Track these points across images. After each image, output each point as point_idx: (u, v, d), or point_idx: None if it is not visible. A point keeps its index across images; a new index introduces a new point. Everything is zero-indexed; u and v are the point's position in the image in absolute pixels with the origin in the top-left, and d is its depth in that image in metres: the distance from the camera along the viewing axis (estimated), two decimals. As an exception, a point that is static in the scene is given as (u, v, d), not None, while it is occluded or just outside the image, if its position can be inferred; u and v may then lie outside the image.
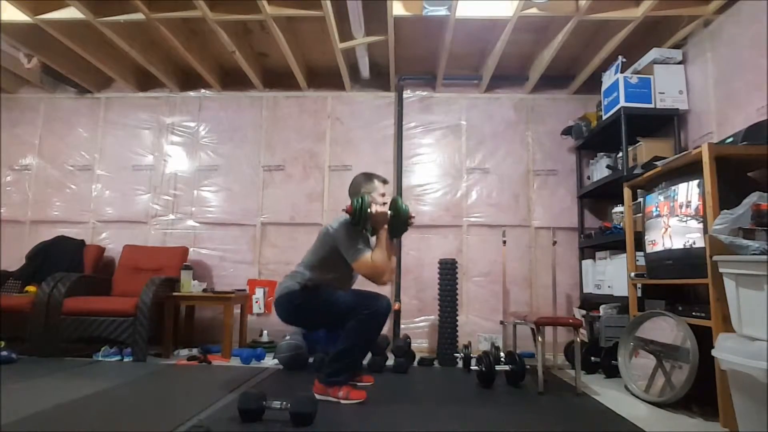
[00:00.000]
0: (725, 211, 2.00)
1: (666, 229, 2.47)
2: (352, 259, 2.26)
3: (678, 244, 2.37)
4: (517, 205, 4.01)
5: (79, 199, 4.21)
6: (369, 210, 2.22)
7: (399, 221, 2.33)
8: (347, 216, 2.29)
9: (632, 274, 2.80)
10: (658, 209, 2.57)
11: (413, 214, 2.39)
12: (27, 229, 4.19)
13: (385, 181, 2.53)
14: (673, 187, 2.45)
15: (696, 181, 2.28)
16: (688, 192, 2.34)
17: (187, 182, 4.20)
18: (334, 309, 2.31)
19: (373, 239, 2.35)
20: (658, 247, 2.52)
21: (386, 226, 2.30)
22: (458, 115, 4.15)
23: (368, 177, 2.51)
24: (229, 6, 3.08)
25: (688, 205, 2.33)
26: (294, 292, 2.35)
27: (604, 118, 3.44)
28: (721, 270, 1.89)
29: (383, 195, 2.48)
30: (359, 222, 2.23)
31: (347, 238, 2.28)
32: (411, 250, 3.98)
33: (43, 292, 3.27)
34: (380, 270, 2.24)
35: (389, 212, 2.31)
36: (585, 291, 3.67)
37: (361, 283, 2.44)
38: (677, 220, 2.38)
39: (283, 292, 2.40)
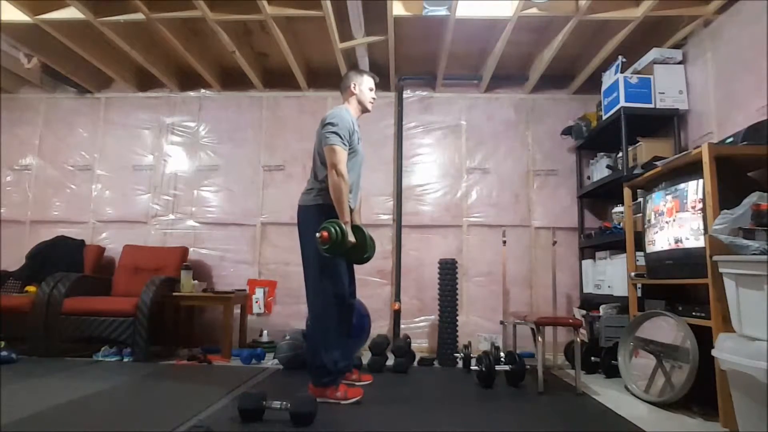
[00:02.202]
0: (725, 211, 2.00)
1: (666, 229, 2.47)
2: (326, 141, 2.25)
3: (678, 244, 2.37)
4: (517, 205, 4.01)
5: (79, 199, 4.21)
6: (346, 241, 2.17)
7: (357, 252, 2.30)
8: (344, 111, 2.37)
9: (632, 274, 2.80)
10: (658, 209, 2.57)
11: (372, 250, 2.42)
12: (27, 229, 4.19)
13: (375, 78, 2.57)
14: (673, 187, 2.45)
15: (696, 181, 2.28)
16: (688, 192, 2.33)
17: (187, 182, 4.20)
18: (329, 267, 2.27)
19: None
20: (658, 247, 2.53)
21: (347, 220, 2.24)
22: (458, 115, 4.15)
23: (360, 71, 2.55)
24: (229, 6, 3.08)
25: (688, 205, 2.33)
26: (310, 207, 2.33)
27: (604, 118, 3.44)
28: (721, 270, 1.89)
29: (371, 90, 2.53)
30: (336, 251, 2.17)
31: (330, 127, 2.28)
32: (411, 250, 3.98)
33: (43, 292, 3.27)
34: (337, 162, 2.22)
35: (355, 240, 2.25)
36: (585, 291, 3.67)
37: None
38: (677, 220, 2.38)
39: (303, 202, 2.38)
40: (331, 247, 2.14)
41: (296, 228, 2.41)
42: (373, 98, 2.56)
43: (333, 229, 2.13)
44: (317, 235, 2.15)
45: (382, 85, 4.17)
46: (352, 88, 2.49)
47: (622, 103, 3.15)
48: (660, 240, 2.51)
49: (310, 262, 2.32)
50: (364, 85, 2.50)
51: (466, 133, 4.12)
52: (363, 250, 2.33)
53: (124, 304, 3.24)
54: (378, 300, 3.89)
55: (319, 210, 2.29)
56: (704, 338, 2.09)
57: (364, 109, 2.56)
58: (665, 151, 3.04)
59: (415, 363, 3.32)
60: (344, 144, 2.28)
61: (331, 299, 2.26)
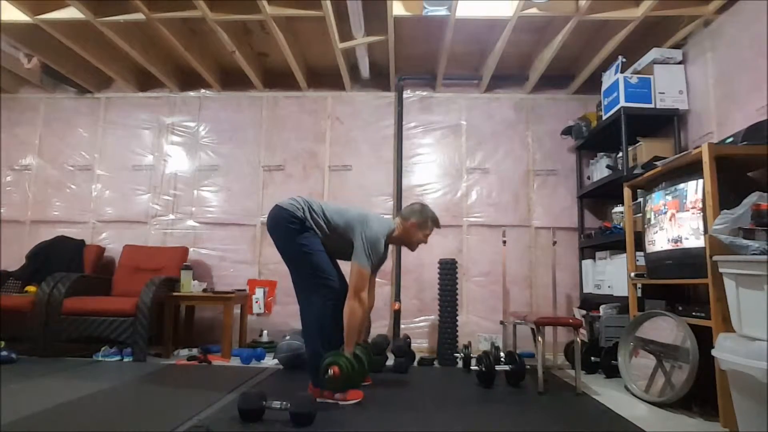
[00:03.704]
0: (725, 211, 2.00)
1: (666, 229, 2.47)
2: (355, 258, 2.26)
3: (678, 244, 2.37)
4: (517, 205, 4.01)
5: (79, 199, 4.21)
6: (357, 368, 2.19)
7: (356, 375, 2.24)
8: (389, 228, 2.37)
9: (632, 274, 2.80)
10: (658, 209, 2.57)
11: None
12: (27, 229, 4.19)
13: (438, 226, 2.56)
14: (673, 187, 2.45)
15: (696, 181, 2.28)
16: (688, 192, 2.33)
17: (187, 182, 4.20)
18: (306, 258, 2.28)
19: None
20: (658, 247, 2.52)
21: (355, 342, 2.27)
22: (458, 115, 4.15)
23: (433, 218, 2.52)
24: (229, 6, 3.09)
25: (688, 205, 2.33)
26: (287, 216, 2.31)
27: (604, 118, 3.44)
28: (721, 270, 1.89)
29: (426, 236, 2.51)
30: (348, 385, 2.18)
31: (368, 246, 2.26)
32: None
33: (43, 292, 3.27)
34: (361, 288, 2.23)
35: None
36: (585, 291, 3.67)
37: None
38: (677, 220, 2.38)
39: (279, 209, 2.35)
40: (343, 382, 2.14)
41: None
42: (424, 243, 2.53)
43: (343, 363, 2.12)
44: (329, 372, 2.11)
45: (382, 85, 4.19)
46: (410, 223, 2.46)
47: (622, 103, 3.15)
48: (660, 240, 2.51)
49: (294, 264, 2.35)
50: (421, 231, 2.48)
51: (466, 133, 4.12)
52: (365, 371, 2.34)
53: (124, 304, 3.24)
54: (378, 300, 3.85)
55: (292, 218, 2.29)
56: (704, 338, 2.09)
57: (404, 244, 2.57)
58: (665, 151, 3.04)
59: (415, 363, 3.32)
60: (370, 265, 2.27)
61: (323, 296, 2.27)
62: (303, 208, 2.33)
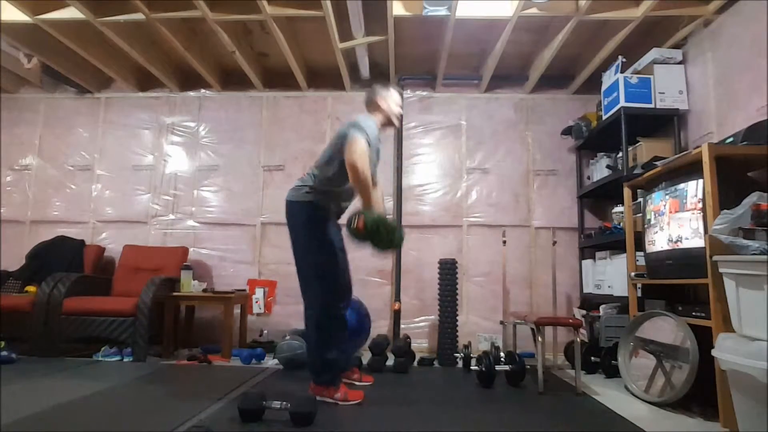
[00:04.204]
0: (725, 211, 2.00)
1: (666, 229, 2.47)
2: (349, 139, 2.12)
3: (678, 244, 2.37)
4: (517, 205, 4.01)
5: (79, 199, 4.21)
6: (385, 231, 2.07)
7: (383, 240, 2.12)
8: (369, 118, 2.30)
9: (632, 274, 2.80)
10: (658, 209, 2.57)
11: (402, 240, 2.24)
12: (27, 229, 4.19)
13: (400, 92, 2.50)
14: (673, 187, 2.45)
15: (696, 181, 2.28)
16: (688, 192, 2.33)
17: (187, 182, 4.20)
18: (325, 267, 2.25)
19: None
20: (658, 247, 2.52)
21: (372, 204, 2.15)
22: (458, 115, 4.15)
23: (385, 85, 2.48)
24: (229, 6, 3.08)
25: (688, 205, 2.33)
26: (301, 204, 2.28)
27: (604, 118, 3.44)
28: (721, 270, 1.89)
29: (398, 104, 2.48)
30: (366, 239, 2.07)
31: (356, 129, 2.15)
32: (411, 250, 3.97)
33: (43, 292, 3.27)
34: (362, 167, 2.07)
35: (389, 230, 2.12)
36: (585, 291, 3.67)
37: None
38: (677, 220, 2.38)
39: (292, 197, 2.32)
40: (366, 236, 2.05)
41: None
42: (400, 113, 2.51)
43: (369, 217, 2.04)
44: (354, 222, 2.04)
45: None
46: (379, 102, 2.44)
47: (622, 103, 3.15)
48: (660, 240, 2.51)
49: (306, 259, 2.31)
50: (391, 99, 2.44)
51: (466, 133, 4.12)
52: (393, 232, 2.18)
53: (124, 304, 3.24)
54: (378, 300, 3.88)
55: (309, 207, 2.27)
56: (704, 338, 2.09)
57: (389, 123, 2.49)
58: (665, 151, 3.05)
59: (415, 363, 3.32)
60: (367, 142, 2.16)
61: (332, 294, 2.26)
62: (308, 186, 2.28)
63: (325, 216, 2.30)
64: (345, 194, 2.39)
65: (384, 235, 2.09)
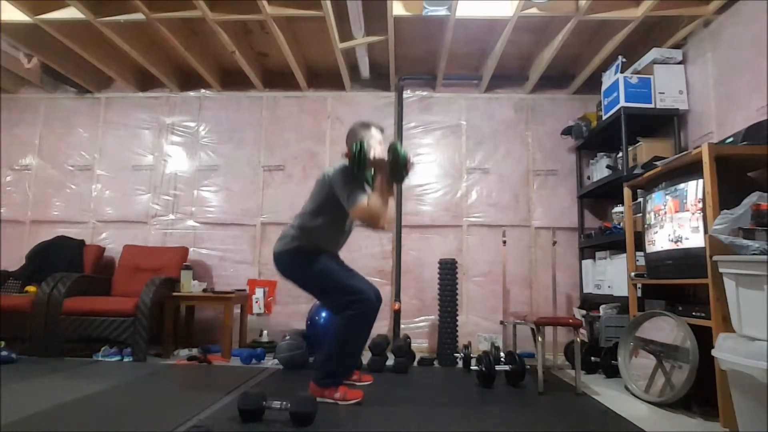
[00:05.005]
0: (725, 211, 2.00)
1: (666, 229, 2.47)
2: (349, 204, 2.13)
3: (678, 244, 2.37)
4: (517, 205, 4.01)
5: (79, 199, 4.21)
6: (367, 154, 2.15)
7: (398, 166, 2.18)
8: (345, 162, 2.23)
9: (632, 274, 2.80)
10: (658, 209, 2.57)
11: (412, 159, 2.26)
12: (27, 229, 4.19)
13: (381, 129, 2.44)
14: (673, 187, 2.45)
15: (696, 181, 2.28)
16: (688, 192, 2.33)
17: (187, 182, 4.20)
18: (327, 282, 2.27)
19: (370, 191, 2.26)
20: (658, 247, 2.52)
21: (384, 172, 2.19)
22: (458, 115, 4.15)
23: (365, 125, 2.39)
24: (229, 6, 3.08)
25: (688, 205, 2.33)
26: (287, 252, 2.31)
27: (604, 118, 3.44)
28: (721, 270, 1.89)
29: (380, 143, 2.39)
30: (358, 166, 2.15)
31: (344, 183, 2.17)
32: (411, 250, 3.98)
33: (43, 292, 3.27)
34: (376, 214, 2.11)
35: (388, 156, 2.20)
36: (585, 291, 3.67)
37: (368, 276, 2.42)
38: (677, 220, 2.38)
39: (279, 248, 2.35)
40: (355, 161, 2.14)
41: None
42: (382, 157, 2.39)
43: (354, 146, 2.16)
44: (342, 154, 2.20)
45: (382, 85, 4.19)
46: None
47: (622, 103, 3.16)
48: (660, 240, 2.51)
49: (308, 288, 2.36)
50: (373, 140, 2.32)
51: (466, 133, 4.13)
52: (400, 164, 2.20)
53: (124, 304, 3.24)
54: (378, 300, 3.88)
55: (297, 251, 2.30)
56: (704, 338, 2.09)
57: (376, 166, 2.36)
58: (665, 151, 3.05)
59: (415, 363, 3.32)
60: (362, 194, 2.14)
61: (355, 307, 2.20)
62: (292, 235, 2.33)
63: (315, 251, 2.32)
64: (336, 238, 2.41)
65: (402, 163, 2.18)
